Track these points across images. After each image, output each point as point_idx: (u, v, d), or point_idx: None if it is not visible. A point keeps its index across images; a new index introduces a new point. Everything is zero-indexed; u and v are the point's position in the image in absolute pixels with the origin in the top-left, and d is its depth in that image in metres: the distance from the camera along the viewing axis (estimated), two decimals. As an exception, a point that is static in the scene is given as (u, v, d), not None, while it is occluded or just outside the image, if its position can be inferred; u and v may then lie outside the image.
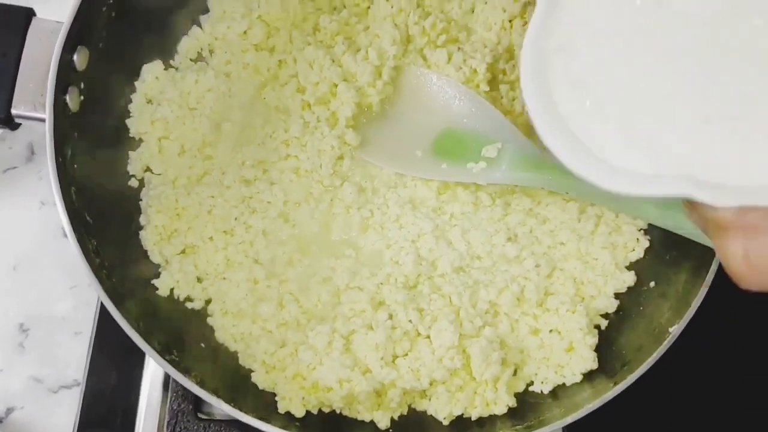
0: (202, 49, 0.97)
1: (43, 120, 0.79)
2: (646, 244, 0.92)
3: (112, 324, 0.99)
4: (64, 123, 0.80)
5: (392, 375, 0.84)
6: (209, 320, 0.89)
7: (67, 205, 0.78)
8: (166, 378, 0.98)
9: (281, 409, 0.83)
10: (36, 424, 1.02)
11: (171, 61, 0.96)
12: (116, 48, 0.88)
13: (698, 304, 0.79)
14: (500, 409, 0.85)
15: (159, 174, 0.92)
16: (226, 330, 0.88)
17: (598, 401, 0.77)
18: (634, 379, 0.78)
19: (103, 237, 0.82)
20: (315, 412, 0.84)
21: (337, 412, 0.85)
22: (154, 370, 1.00)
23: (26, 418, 1.02)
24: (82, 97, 0.83)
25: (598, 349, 0.87)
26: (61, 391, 1.03)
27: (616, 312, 0.90)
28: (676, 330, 0.79)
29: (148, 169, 0.92)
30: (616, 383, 0.78)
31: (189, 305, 0.89)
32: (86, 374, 1.00)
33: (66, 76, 0.80)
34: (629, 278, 0.90)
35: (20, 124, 0.82)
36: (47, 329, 1.05)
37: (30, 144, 1.13)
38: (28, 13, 0.82)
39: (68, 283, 1.07)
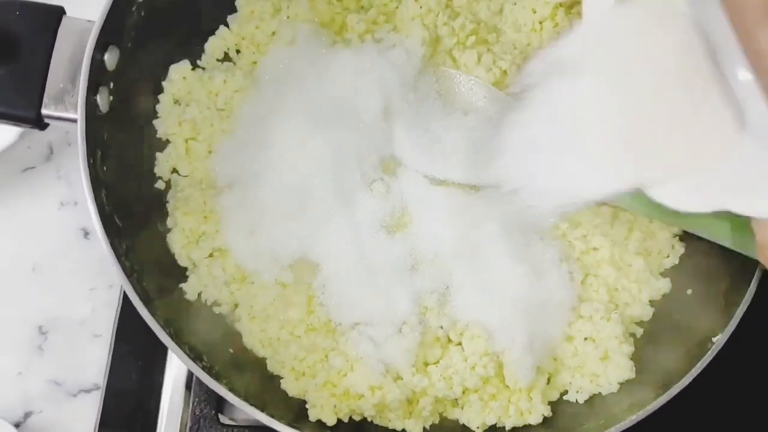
0: (228, 49, 0.96)
1: (73, 120, 0.77)
2: (681, 250, 0.90)
3: (132, 327, 1.00)
4: (94, 124, 0.78)
5: (424, 382, 0.83)
6: (237, 325, 0.88)
7: (98, 208, 0.76)
8: (188, 382, 0.97)
9: (312, 418, 0.82)
10: (55, 428, 1.01)
11: (198, 61, 0.94)
12: (145, 48, 0.86)
13: (742, 313, 0.78)
14: (535, 419, 0.84)
15: (186, 176, 0.90)
16: (254, 335, 0.87)
17: (641, 413, 0.76)
18: (677, 391, 0.76)
19: (132, 240, 0.80)
20: (346, 419, 0.83)
21: (369, 420, 0.84)
22: (176, 374, 0.98)
23: (45, 422, 1.01)
24: (111, 98, 0.82)
25: (636, 359, 0.86)
26: (81, 394, 1.02)
27: (654, 321, 0.89)
28: (719, 340, 0.78)
29: (174, 171, 0.91)
30: (657, 395, 0.77)
31: (216, 309, 0.88)
32: (106, 378, 0.98)
33: (96, 76, 0.79)
34: (665, 285, 0.89)
35: (48, 124, 0.80)
36: (66, 332, 1.04)
37: (49, 143, 1.12)
38: (59, 12, 0.80)
39: (88, 285, 1.06)
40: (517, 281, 0.87)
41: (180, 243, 0.88)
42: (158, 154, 0.90)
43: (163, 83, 0.91)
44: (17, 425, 0.99)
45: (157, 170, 0.90)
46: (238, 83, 0.92)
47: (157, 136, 0.90)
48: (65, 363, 1.03)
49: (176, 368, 0.99)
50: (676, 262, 0.90)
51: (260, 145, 0.91)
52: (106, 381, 0.98)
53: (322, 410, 0.82)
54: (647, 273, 0.89)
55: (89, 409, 1.00)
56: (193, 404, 0.95)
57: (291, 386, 0.84)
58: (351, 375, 0.83)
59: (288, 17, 0.95)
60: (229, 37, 0.95)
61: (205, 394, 0.95)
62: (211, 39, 0.95)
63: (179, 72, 0.91)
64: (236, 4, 0.96)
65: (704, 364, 0.77)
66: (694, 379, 0.77)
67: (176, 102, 0.91)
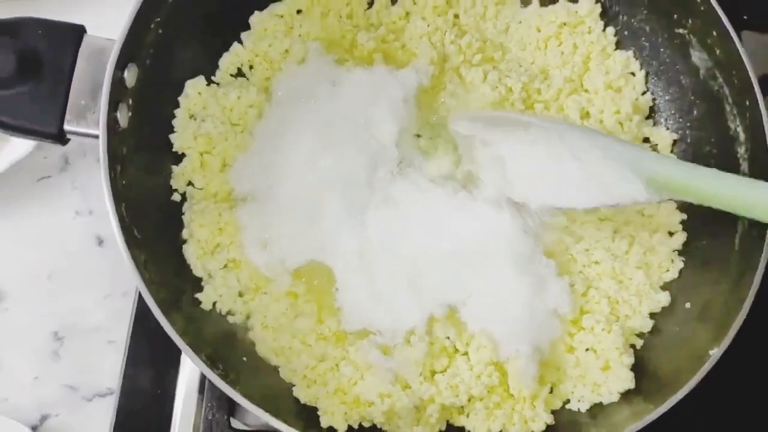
0: (242, 65, 0.98)
1: (95, 136, 0.80)
2: (681, 264, 0.93)
3: (146, 334, 1.02)
4: (114, 139, 0.81)
5: (431, 391, 0.86)
6: (250, 334, 0.90)
7: (119, 221, 0.78)
8: (201, 387, 0.99)
9: (324, 424, 0.84)
10: (70, 432, 1.03)
11: (212, 77, 0.97)
12: (162, 64, 0.89)
13: (739, 326, 0.80)
14: (538, 427, 0.86)
15: (201, 189, 0.93)
16: (267, 344, 0.89)
17: (640, 423, 0.78)
18: (674, 402, 0.79)
19: (150, 251, 0.83)
20: (356, 426, 0.85)
21: (378, 426, 0.86)
22: (188, 380, 1.01)
23: (61, 425, 1.03)
24: (130, 114, 0.84)
25: (636, 370, 0.88)
26: (96, 399, 1.04)
27: (653, 333, 0.92)
28: (716, 353, 0.80)
29: (190, 184, 0.93)
30: (655, 405, 0.79)
31: (231, 319, 0.90)
32: (121, 383, 1.00)
33: (117, 92, 0.81)
34: (664, 298, 0.92)
35: (69, 139, 0.83)
36: (81, 338, 1.06)
37: (64, 154, 1.14)
38: (80, 31, 0.83)
39: (102, 292, 1.08)
40: (521, 293, 0.90)
41: (196, 254, 0.90)
42: (174, 168, 0.93)
43: (179, 98, 0.93)
44: (34, 429, 1.02)
45: (174, 183, 0.93)
46: (252, 99, 0.95)
47: (173, 150, 0.93)
48: (80, 368, 1.05)
49: (188, 374, 1.01)
50: (676, 275, 0.93)
51: (273, 160, 0.94)
52: (120, 386, 1.00)
53: (333, 417, 0.84)
54: (647, 286, 0.92)
55: (104, 413, 1.01)
56: (205, 409, 0.97)
57: (303, 393, 0.86)
58: (361, 383, 0.86)
59: (300, 36, 0.98)
60: (242, 54, 0.98)
61: (217, 400, 0.97)
62: (225, 55, 0.98)
63: (195, 87, 0.94)
64: (250, 21, 0.98)
65: (700, 377, 0.79)
66: (692, 391, 0.79)
67: (192, 117, 0.94)
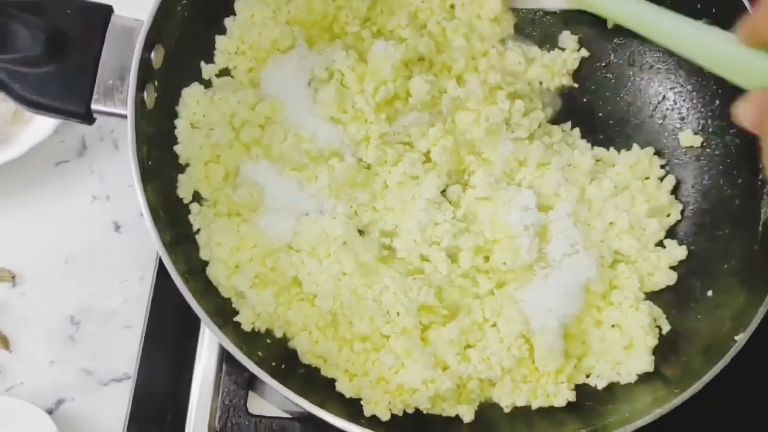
0: (231, 57, 0.94)
1: (123, 116, 0.79)
2: (680, 206, 0.97)
3: (163, 319, 1.02)
4: (141, 120, 0.80)
5: (469, 369, 0.85)
6: (290, 344, 0.87)
7: (146, 202, 0.78)
8: (218, 373, 0.99)
9: (367, 413, 0.83)
10: (86, 416, 1.03)
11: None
12: (186, 47, 0.89)
13: (763, 314, 0.81)
14: (560, 402, 0.87)
15: (206, 200, 0.89)
16: (312, 351, 0.87)
17: (667, 406, 0.79)
18: (698, 388, 0.79)
19: (174, 234, 0.82)
20: (400, 414, 0.85)
21: (423, 411, 0.86)
22: (205, 366, 1.00)
23: (77, 410, 1.03)
24: (156, 95, 0.84)
25: (658, 355, 0.89)
26: (111, 384, 1.04)
27: (675, 325, 0.92)
28: (741, 338, 0.81)
29: (196, 194, 0.89)
30: (678, 391, 0.80)
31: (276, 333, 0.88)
32: (137, 368, 1.00)
33: (144, 73, 0.81)
34: (680, 253, 0.94)
35: (96, 119, 0.83)
36: (98, 322, 1.07)
37: (82, 138, 1.14)
38: (108, 11, 0.83)
39: (119, 277, 1.08)
40: (551, 266, 0.92)
41: (223, 274, 0.86)
42: (180, 176, 0.89)
43: (177, 108, 0.89)
44: (50, 412, 1.01)
45: (180, 192, 0.88)
46: (250, 101, 0.91)
47: (179, 161, 0.89)
48: (97, 353, 1.05)
49: (205, 360, 1.00)
50: (679, 218, 0.96)
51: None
52: (137, 371, 1.00)
53: (377, 406, 0.83)
54: (661, 233, 0.95)
55: (120, 398, 1.01)
56: (222, 395, 0.97)
57: (346, 388, 0.85)
58: (403, 372, 0.85)
59: (287, 22, 0.94)
60: (230, 46, 0.94)
61: (234, 385, 0.97)
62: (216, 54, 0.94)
63: (193, 96, 0.89)
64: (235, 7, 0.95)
65: (725, 363, 0.80)
66: (715, 379, 0.80)
67: (193, 126, 0.90)
